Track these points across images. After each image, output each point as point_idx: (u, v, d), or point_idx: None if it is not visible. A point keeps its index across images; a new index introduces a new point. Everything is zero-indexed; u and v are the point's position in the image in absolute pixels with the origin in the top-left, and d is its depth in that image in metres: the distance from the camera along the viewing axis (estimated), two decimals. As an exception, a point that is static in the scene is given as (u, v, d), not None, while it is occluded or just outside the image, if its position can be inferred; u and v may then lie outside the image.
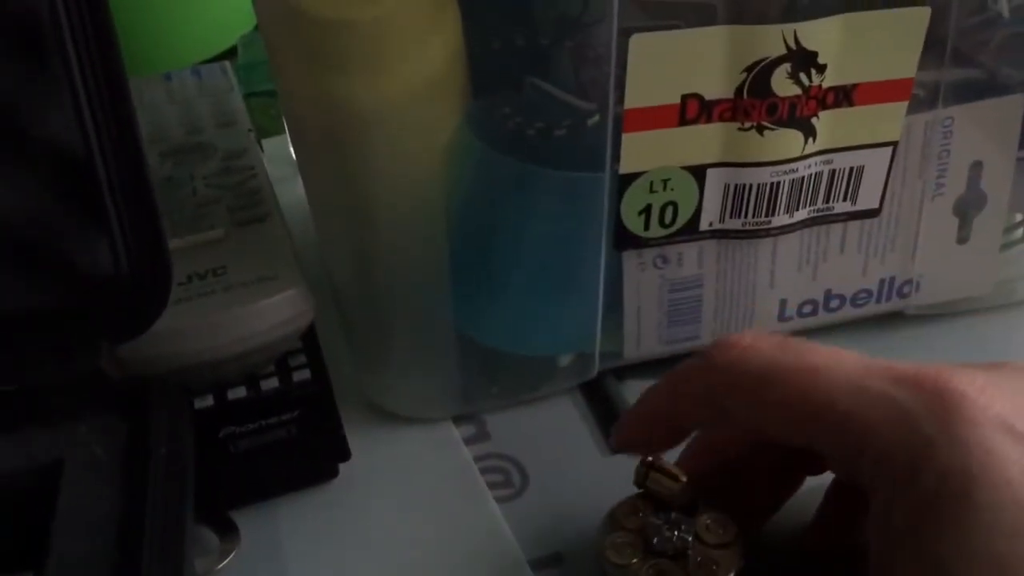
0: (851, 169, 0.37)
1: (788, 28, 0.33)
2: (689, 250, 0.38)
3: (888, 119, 0.37)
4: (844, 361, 0.27)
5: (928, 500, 0.24)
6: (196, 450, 0.31)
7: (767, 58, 0.33)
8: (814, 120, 0.35)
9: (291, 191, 0.45)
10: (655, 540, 0.31)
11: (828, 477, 0.33)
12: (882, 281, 0.41)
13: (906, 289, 0.42)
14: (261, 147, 0.47)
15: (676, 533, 0.31)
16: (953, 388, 0.25)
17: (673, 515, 0.32)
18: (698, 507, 0.32)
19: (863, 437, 0.26)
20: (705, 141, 0.35)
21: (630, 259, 0.38)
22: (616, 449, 0.34)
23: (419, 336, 0.39)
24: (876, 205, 0.39)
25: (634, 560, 0.31)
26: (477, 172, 0.35)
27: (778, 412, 0.28)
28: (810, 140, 0.36)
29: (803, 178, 0.37)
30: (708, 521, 0.31)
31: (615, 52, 0.33)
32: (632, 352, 0.41)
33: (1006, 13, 0.36)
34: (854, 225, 0.39)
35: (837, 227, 0.39)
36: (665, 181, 0.36)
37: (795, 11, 0.33)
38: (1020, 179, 0.40)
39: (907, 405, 0.25)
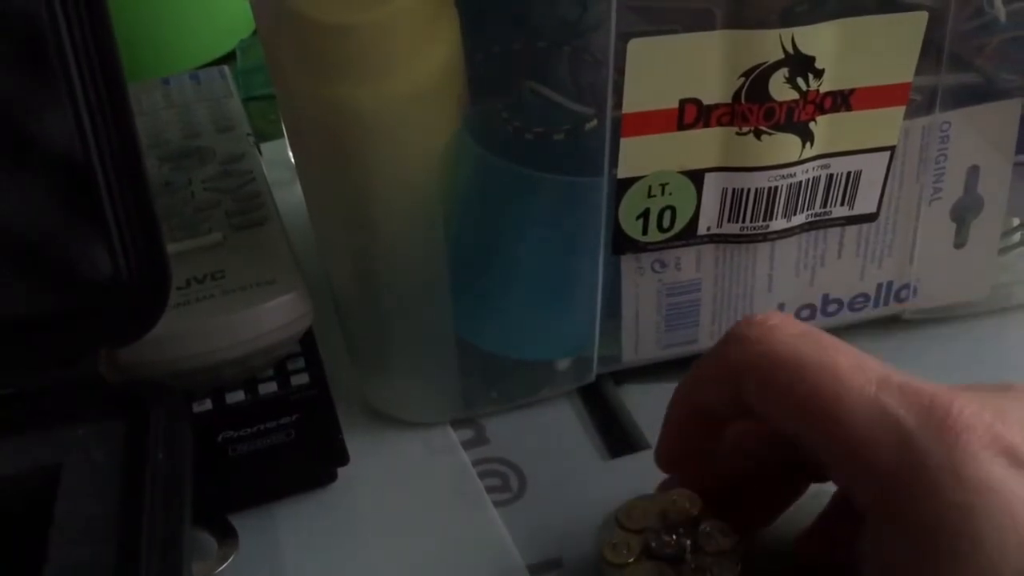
0: (848, 174, 0.37)
1: (786, 33, 0.33)
2: (687, 254, 0.38)
3: (885, 124, 0.37)
4: (864, 368, 0.26)
5: (928, 532, 0.24)
6: (194, 454, 0.31)
7: (765, 63, 0.34)
8: (812, 125, 0.35)
9: (290, 195, 0.45)
10: (653, 543, 0.31)
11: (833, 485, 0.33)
12: (879, 285, 0.41)
13: (903, 293, 0.42)
14: (260, 151, 0.47)
15: (675, 538, 0.31)
16: (964, 421, 0.24)
17: (673, 518, 0.32)
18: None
19: (867, 455, 0.25)
20: (703, 146, 0.35)
21: (628, 263, 0.38)
22: (664, 466, 0.33)
23: (418, 340, 0.39)
24: (874, 210, 0.39)
25: (631, 561, 0.31)
26: (475, 176, 0.35)
27: (788, 404, 0.27)
28: (808, 145, 0.36)
29: (801, 183, 0.37)
30: (708, 528, 0.31)
31: (613, 57, 0.33)
32: (630, 356, 0.41)
33: (1003, 17, 0.36)
34: (852, 229, 0.39)
35: (835, 231, 0.39)
36: (663, 185, 0.36)
37: (793, 16, 0.33)
38: (1017, 183, 0.40)
39: (915, 432, 0.25)
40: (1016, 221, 0.43)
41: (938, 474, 0.24)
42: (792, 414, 0.27)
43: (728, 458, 0.33)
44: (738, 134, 0.35)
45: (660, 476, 0.34)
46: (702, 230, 0.37)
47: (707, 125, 0.35)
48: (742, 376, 0.28)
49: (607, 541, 0.32)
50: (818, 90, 0.35)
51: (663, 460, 0.33)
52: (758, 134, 0.35)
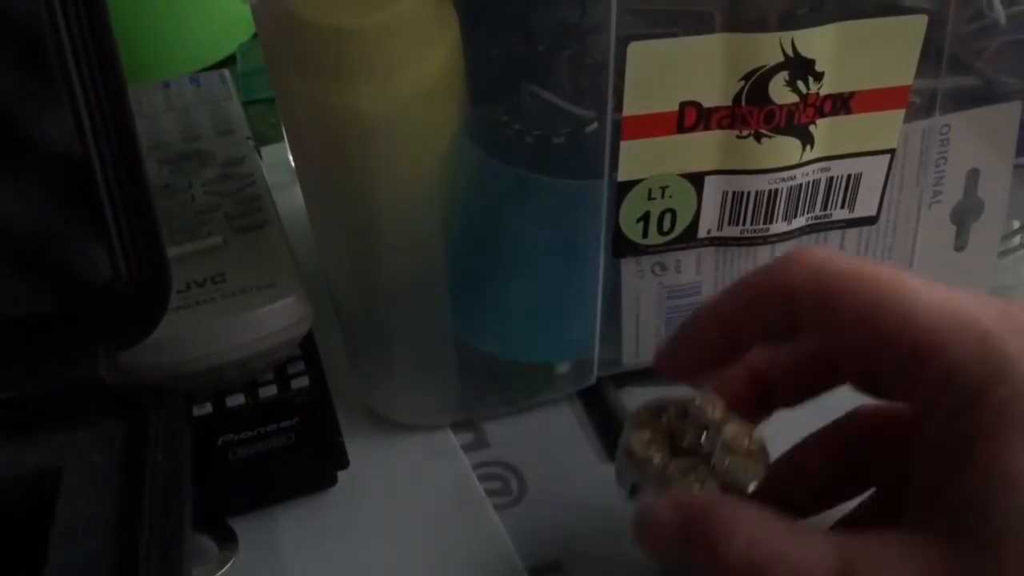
0: (849, 176, 0.37)
1: (785, 36, 0.33)
2: (687, 257, 0.38)
3: (885, 127, 0.37)
4: (929, 280, 0.27)
5: (1000, 412, 0.25)
6: (194, 457, 0.31)
7: (764, 66, 0.34)
8: (812, 128, 0.35)
9: (290, 198, 0.45)
10: (683, 441, 0.30)
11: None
12: (880, 288, 0.41)
13: (904, 296, 0.42)
14: (260, 154, 0.47)
15: (703, 437, 0.30)
16: None
17: (696, 418, 0.31)
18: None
19: (939, 345, 0.26)
20: (703, 149, 0.35)
21: (628, 266, 0.38)
22: (663, 369, 0.32)
23: (418, 343, 0.39)
24: (874, 213, 0.39)
25: (659, 455, 0.30)
26: (475, 179, 0.35)
27: (856, 313, 0.27)
28: (808, 148, 0.36)
29: (801, 185, 0.37)
30: (734, 430, 0.30)
31: (613, 60, 0.33)
32: (631, 359, 0.41)
33: (1003, 20, 0.36)
34: (852, 232, 0.39)
35: (835, 234, 0.39)
36: (663, 188, 0.36)
37: (792, 19, 0.33)
38: (1017, 186, 0.40)
39: (989, 324, 0.26)
40: (1016, 224, 0.43)
41: (1013, 359, 0.25)
42: (863, 322, 0.27)
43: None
44: (738, 137, 0.35)
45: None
46: (702, 233, 0.37)
47: (707, 128, 0.35)
48: (799, 292, 0.28)
49: (636, 437, 0.31)
50: (818, 93, 0.35)
51: (664, 361, 0.32)
52: (758, 137, 0.35)
